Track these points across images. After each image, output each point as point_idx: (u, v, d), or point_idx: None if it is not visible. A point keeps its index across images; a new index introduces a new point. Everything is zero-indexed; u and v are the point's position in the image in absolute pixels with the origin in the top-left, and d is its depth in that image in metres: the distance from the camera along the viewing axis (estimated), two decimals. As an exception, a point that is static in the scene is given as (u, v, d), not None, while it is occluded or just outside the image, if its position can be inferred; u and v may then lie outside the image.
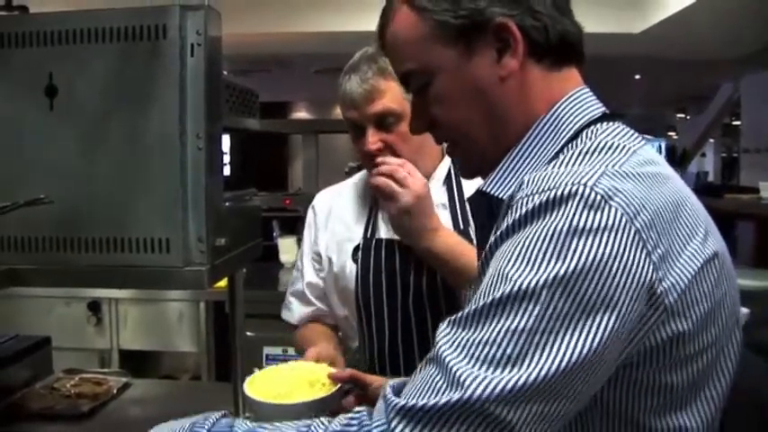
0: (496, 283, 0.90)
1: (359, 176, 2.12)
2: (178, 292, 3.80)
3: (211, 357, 3.80)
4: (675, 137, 18.03)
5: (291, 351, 3.54)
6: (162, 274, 1.49)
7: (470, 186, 1.84)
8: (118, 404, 2.12)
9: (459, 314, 0.92)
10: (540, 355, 0.85)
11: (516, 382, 0.85)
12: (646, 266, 0.89)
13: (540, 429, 0.88)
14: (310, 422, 0.97)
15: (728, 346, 1.03)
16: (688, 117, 16.78)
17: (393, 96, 1.83)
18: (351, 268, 1.96)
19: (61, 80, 1.45)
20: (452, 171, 1.94)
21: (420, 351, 1.86)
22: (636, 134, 1.06)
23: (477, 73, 1.09)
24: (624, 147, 1.00)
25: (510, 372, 0.85)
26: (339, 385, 1.50)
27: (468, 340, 0.89)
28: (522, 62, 1.08)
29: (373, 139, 1.85)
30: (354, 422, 0.93)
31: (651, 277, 0.90)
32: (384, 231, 1.95)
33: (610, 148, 0.99)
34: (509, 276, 0.89)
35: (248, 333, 3.33)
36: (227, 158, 3.05)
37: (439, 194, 1.91)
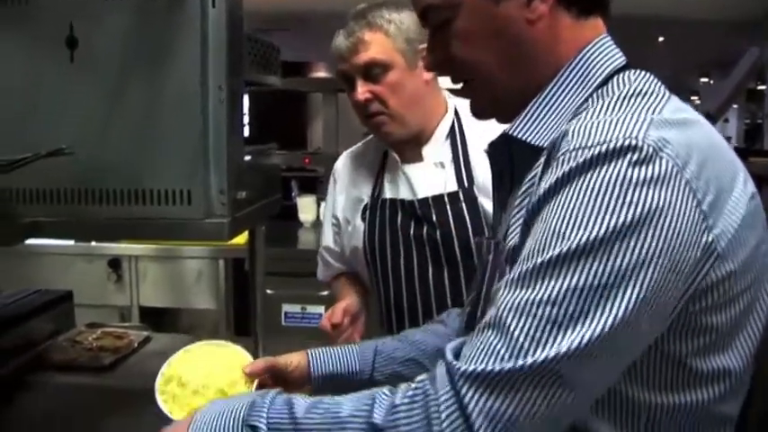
0: (551, 240, 0.89)
1: (371, 138, 2.13)
2: (197, 250, 3.82)
3: (230, 315, 3.82)
4: (698, 101, 17.84)
5: (310, 309, 3.57)
6: (183, 226, 1.49)
7: (476, 143, 1.85)
8: (139, 357, 2.14)
9: (516, 273, 0.92)
10: (603, 311, 0.85)
11: (581, 341, 0.85)
12: (697, 216, 0.90)
13: (605, 381, 0.91)
14: (373, 393, 0.96)
15: (764, 286, 1.03)
16: (712, 82, 16.58)
17: (379, 47, 1.87)
18: (360, 227, 2.03)
19: (82, 31, 1.44)
20: (457, 127, 1.94)
21: (422, 298, 1.91)
22: (661, 83, 1.05)
23: (505, 13, 1.07)
24: (658, 93, 1.00)
25: (573, 331, 0.85)
26: (256, 382, 1.40)
27: (527, 301, 0.88)
28: (551, 7, 1.07)
29: (362, 90, 1.89)
30: (419, 393, 0.92)
31: (703, 226, 0.90)
32: (389, 191, 1.99)
33: (646, 94, 0.99)
34: (564, 234, 0.88)
35: (267, 291, 3.34)
36: (245, 119, 3.04)
37: (441, 152, 1.93)
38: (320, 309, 3.55)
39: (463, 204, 1.86)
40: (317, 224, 4.25)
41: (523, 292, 0.89)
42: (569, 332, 0.85)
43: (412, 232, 1.92)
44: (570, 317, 0.86)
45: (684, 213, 0.88)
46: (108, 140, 1.47)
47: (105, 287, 3.86)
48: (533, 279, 0.89)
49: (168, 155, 1.46)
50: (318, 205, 4.30)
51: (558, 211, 0.91)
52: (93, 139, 1.47)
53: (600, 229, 0.86)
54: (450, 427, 0.87)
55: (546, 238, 0.90)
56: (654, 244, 0.86)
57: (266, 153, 1.90)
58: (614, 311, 0.85)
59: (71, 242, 3.96)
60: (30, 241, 3.74)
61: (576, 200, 0.89)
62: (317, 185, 4.53)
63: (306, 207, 4.36)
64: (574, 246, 0.87)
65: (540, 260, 0.89)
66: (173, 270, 3.88)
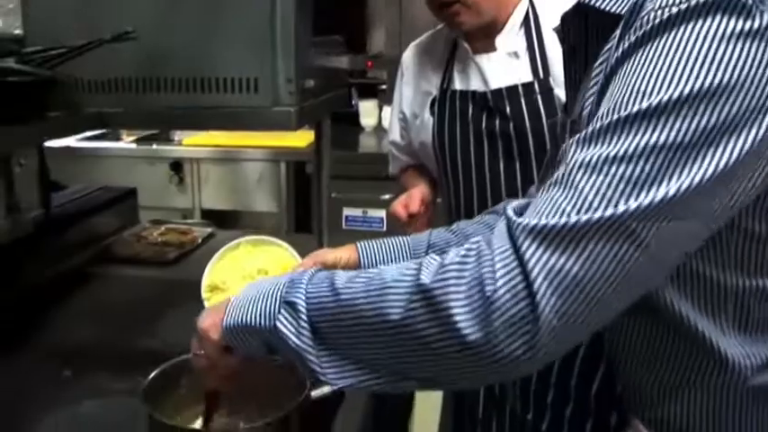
0: (631, 97, 0.80)
1: (440, 28, 2.05)
2: (258, 152, 3.79)
3: (291, 217, 3.81)
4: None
5: (371, 213, 3.54)
6: (249, 114, 1.45)
7: (552, 34, 1.76)
8: (202, 252, 2.13)
9: (589, 130, 0.83)
10: (683, 172, 0.76)
11: (657, 200, 0.76)
12: None
13: (682, 247, 0.82)
14: (421, 259, 0.87)
15: None
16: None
17: None
18: (429, 121, 1.95)
19: None
20: (532, 16, 1.85)
21: (492, 193, 1.86)
22: None
23: None
24: None
25: (649, 190, 0.76)
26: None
27: (599, 157, 0.79)
28: None
29: None
30: (473, 251, 0.82)
31: None
32: (459, 82, 1.91)
33: None
34: (646, 91, 0.79)
35: (330, 194, 3.32)
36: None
37: (515, 41, 1.85)
38: (381, 212, 3.51)
39: (538, 96, 1.78)
40: (379, 129, 4.19)
41: (596, 148, 0.80)
42: (644, 192, 0.77)
43: (483, 125, 1.84)
44: (647, 176, 0.77)
45: None
46: (173, 26, 1.43)
47: (167, 190, 3.87)
48: (608, 135, 0.80)
49: (235, 41, 1.41)
50: (380, 110, 4.23)
51: (641, 68, 0.81)
52: (158, 24, 1.42)
53: (688, 85, 0.77)
54: (506, 286, 0.78)
55: (624, 96, 0.81)
56: (743, 105, 0.77)
57: (333, 44, 1.84)
58: (696, 173, 0.77)
59: (133, 145, 3.98)
60: (93, 143, 3.77)
61: (663, 55, 0.80)
62: (377, 92, 4.44)
63: (368, 111, 4.29)
64: (655, 103, 0.78)
65: (616, 117, 0.80)
66: (234, 173, 3.87)
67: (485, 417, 1.95)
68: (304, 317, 0.88)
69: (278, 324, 0.89)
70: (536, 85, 1.78)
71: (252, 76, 1.42)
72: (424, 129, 1.96)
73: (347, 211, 3.58)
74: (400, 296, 0.83)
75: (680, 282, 0.94)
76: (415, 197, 1.90)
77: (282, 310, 0.90)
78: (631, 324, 1.02)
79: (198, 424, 1.19)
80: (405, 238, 1.36)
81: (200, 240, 2.21)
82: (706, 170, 0.77)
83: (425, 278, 0.82)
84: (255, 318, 0.92)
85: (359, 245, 1.36)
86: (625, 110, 0.79)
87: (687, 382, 0.98)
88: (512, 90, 1.79)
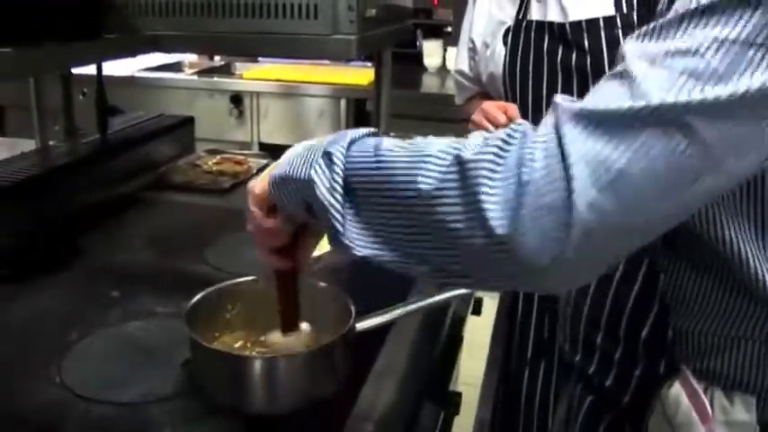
0: None
1: None
2: (319, 88, 3.76)
3: (350, 154, 3.79)
4: None
5: (431, 154, 3.50)
6: (308, 42, 1.42)
7: None
8: (258, 183, 2.12)
9: (651, 25, 0.75)
10: (751, 70, 0.68)
11: (721, 95, 0.68)
12: None
13: (733, 152, 0.72)
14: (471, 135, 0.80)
15: None
16: None
17: None
18: (500, 51, 1.86)
19: None
20: None
21: None
22: None
23: None
24: None
25: (714, 86, 0.69)
26: None
27: (660, 50, 0.72)
28: None
29: None
30: (518, 132, 0.75)
31: None
32: (536, 12, 1.81)
33: None
34: None
35: (389, 133, 3.28)
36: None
37: None
38: (441, 154, 3.47)
39: (620, 31, 1.67)
40: (443, 69, 4.13)
41: (660, 42, 0.73)
42: (709, 86, 0.69)
43: (559, 58, 1.75)
44: (714, 71, 0.69)
45: None
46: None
47: (227, 122, 3.88)
48: (674, 28, 0.72)
49: (294, -36, 1.37)
50: (444, 50, 4.16)
51: None
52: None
53: None
54: (542, 171, 0.70)
55: None
56: None
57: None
58: (764, 76, 0.68)
59: (195, 77, 3.98)
60: (155, 74, 3.79)
61: None
62: (442, 33, 4.37)
63: (432, 51, 4.22)
64: None
65: (683, 11, 0.72)
66: (294, 108, 3.85)
67: (534, 357, 1.92)
68: (339, 171, 0.82)
69: (312, 173, 0.83)
70: (618, 20, 1.69)
71: (311, 2, 1.39)
72: (495, 60, 1.87)
73: (407, 151, 3.54)
74: (438, 167, 0.76)
75: (751, 227, 0.88)
76: (489, 106, 1.82)
77: (321, 160, 0.84)
78: (690, 273, 0.97)
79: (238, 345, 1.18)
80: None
81: (255, 170, 2.19)
82: None
83: (466, 152, 0.75)
84: (295, 167, 0.86)
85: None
86: (693, 4, 0.72)
87: (743, 334, 0.94)
88: (592, 23, 1.70)
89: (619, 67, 0.74)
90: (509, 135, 0.74)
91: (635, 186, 0.69)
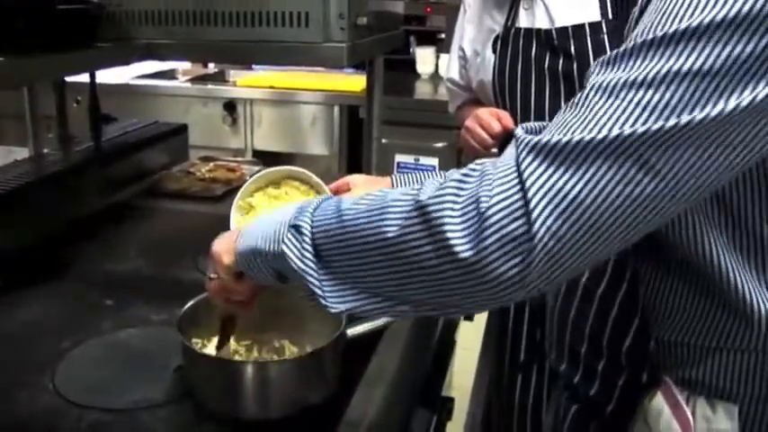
0: (660, 21, 0.74)
1: None
2: (312, 95, 3.77)
3: (343, 161, 3.79)
4: None
5: (423, 160, 3.51)
6: (300, 49, 1.44)
7: None
8: (250, 191, 2.12)
9: (613, 53, 0.76)
10: (704, 101, 0.70)
11: (669, 127, 0.70)
12: None
13: (691, 178, 0.74)
14: (422, 183, 0.83)
15: None
16: None
17: None
18: (490, 59, 1.87)
19: None
20: None
21: None
22: None
23: None
24: None
25: (665, 119, 0.70)
26: None
27: (620, 81, 0.73)
28: None
29: None
30: (477, 170, 0.78)
31: None
32: (525, 20, 1.82)
33: None
34: (677, 14, 0.72)
35: (382, 140, 3.28)
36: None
37: None
38: (434, 161, 3.47)
39: (606, 36, 1.70)
40: (436, 76, 4.14)
41: (617, 72, 0.75)
42: (661, 120, 0.71)
43: (546, 64, 1.77)
44: (666, 104, 0.71)
45: None
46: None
47: (220, 130, 3.88)
48: (632, 59, 0.74)
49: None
50: (437, 57, 4.17)
51: None
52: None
53: (722, 10, 0.70)
54: (503, 203, 0.73)
55: (653, 20, 0.75)
56: None
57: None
58: (721, 103, 0.70)
59: (188, 84, 3.99)
60: (148, 81, 3.78)
61: None
62: (435, 40, 4.38)
63: (424, 58, 4.23)
64: (686, 26, 0.71)
65: (641, 40, 0.74)
66: (288, 115, 3.85)
67: (526, 362, 1.93)
68: (308, 239, 0.87)
69: (283, 247, 0.88)
70: (603, 26, 1.70)
71: (302, 9, 1.41)
72: (485, 67, 1.89)
73: (399, 158, 3.54)
74: (398, 214, 0.80)
75: (727, 237, 0.89)
76: (483, 113, 1.83)
77: (289, 234, 0.89)
78: (670, 283, 0.98)
79: (237, 355, 1.19)
80: (441, 172, 1.32)
81: (247, 177, 2.19)
82: (737, 100, 0.70)
83: (424, 195, 0.78)
84: (264, 242, 0.92)
85: (393, 176, 1.34)
86: (651, 33, 0.73)
87: (724, 345, 0.95)
88: (578, 29, 1.71)
89: (579, 96, 0.77)
90: (465, 175, 0.78)
91: (590, 214, 0.73)
